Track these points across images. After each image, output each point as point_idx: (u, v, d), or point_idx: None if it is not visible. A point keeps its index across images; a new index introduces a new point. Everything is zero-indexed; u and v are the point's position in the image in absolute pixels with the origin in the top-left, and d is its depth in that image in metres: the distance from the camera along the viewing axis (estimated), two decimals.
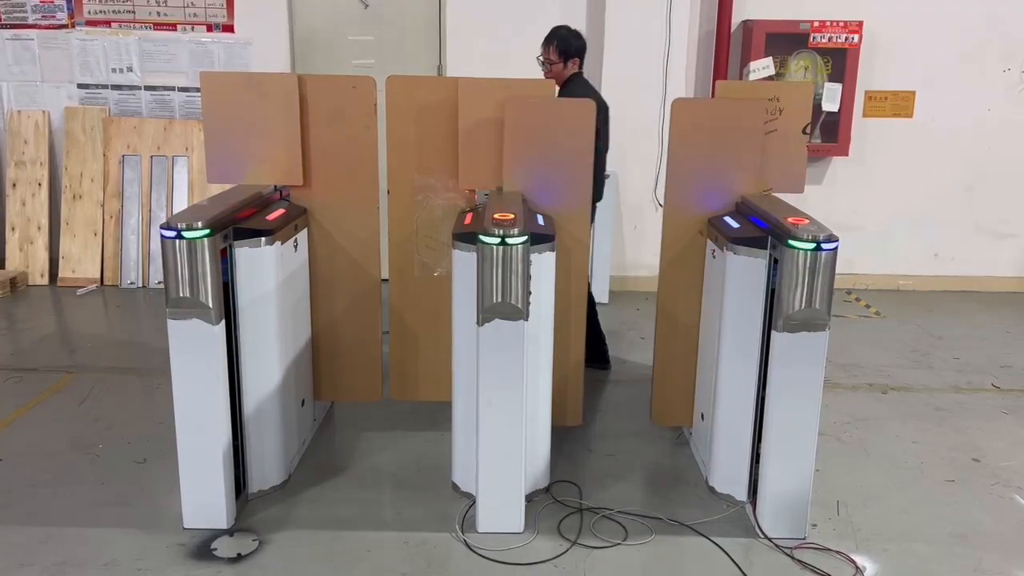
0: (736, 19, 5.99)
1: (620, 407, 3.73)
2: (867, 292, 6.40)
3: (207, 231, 2.76)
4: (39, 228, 6.27)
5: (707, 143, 3.37)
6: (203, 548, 2.92)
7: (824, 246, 2.74)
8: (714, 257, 3.34)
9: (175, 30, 6.20)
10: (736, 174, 3.38)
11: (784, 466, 2.98)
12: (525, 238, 2.79)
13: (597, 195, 4.28)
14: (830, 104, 5.98)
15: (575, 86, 4.36)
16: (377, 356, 3.71)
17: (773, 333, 2.91)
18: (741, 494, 3.26)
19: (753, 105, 3.34)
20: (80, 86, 6.28)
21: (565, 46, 4.38)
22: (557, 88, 4.28)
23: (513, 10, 6.00)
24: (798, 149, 3.44)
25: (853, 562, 2.91)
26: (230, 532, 3.01)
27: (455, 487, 3.33)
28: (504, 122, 3.33)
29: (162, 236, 2.75)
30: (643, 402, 4.01)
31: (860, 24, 5.87)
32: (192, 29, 6.20)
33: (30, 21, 6.21)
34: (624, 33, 5.84)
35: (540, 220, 3.28)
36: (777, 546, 2.98)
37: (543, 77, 4.36)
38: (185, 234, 2.73)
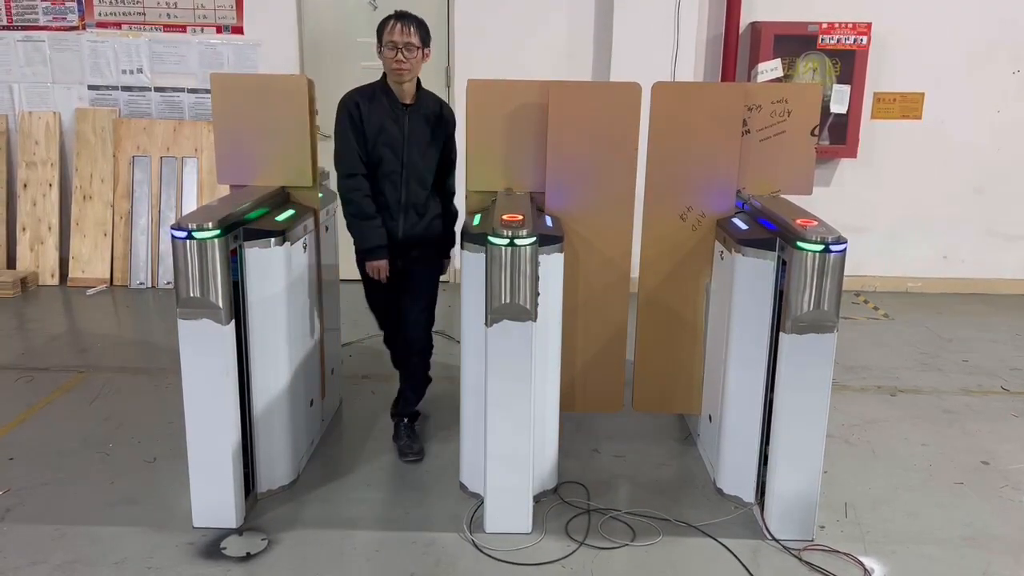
0: (744, 21, 5.99)
1: (626, 408, 3.72)
2: (875, 294, 6.38)
3: (218, 232, 2.78)
4: (49, 228, 6.31)
5: (686, 126, 3.37)
6: (212, 547, 2.93)
7: (833, 248, 2.74)
8: (722, 259, 3.34)
9: (185, 32, 6.23)
10: (717, 157, 3.38)
11: (792, 468, 2.98)
12: (534, 239, 2.79)
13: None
14: (838, 106, 5.98)
15: (428, 96, 3.49)
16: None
17: (781, 335, 2.91)
18: (749, 495, 3.26)
19: (731, 89, 3.34)
20: (91, 87, 6.31)
21: (425, 30, 3.35)
22: (415, 88, 3.42)
23: (521, 12, 6.01)
24: (806, 151, 3.44)
25: (861, 564, 2.90)
26: (239, 531, 3.02)
27: (463, 487, 3.33)
28: (548, 109, 3.32)
29: (173, 237, 2.77)
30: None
31: (869, 26, 5.87)
32: (202, 31, 6.23)
33: (41, 23, 6.24)
34: (632, 35, 5.84)
35: (548, 222, 3.28)
36: (785, 548, 2.98)
37: (395, 71, 3.31)
38: (196, 235, 2.75)
